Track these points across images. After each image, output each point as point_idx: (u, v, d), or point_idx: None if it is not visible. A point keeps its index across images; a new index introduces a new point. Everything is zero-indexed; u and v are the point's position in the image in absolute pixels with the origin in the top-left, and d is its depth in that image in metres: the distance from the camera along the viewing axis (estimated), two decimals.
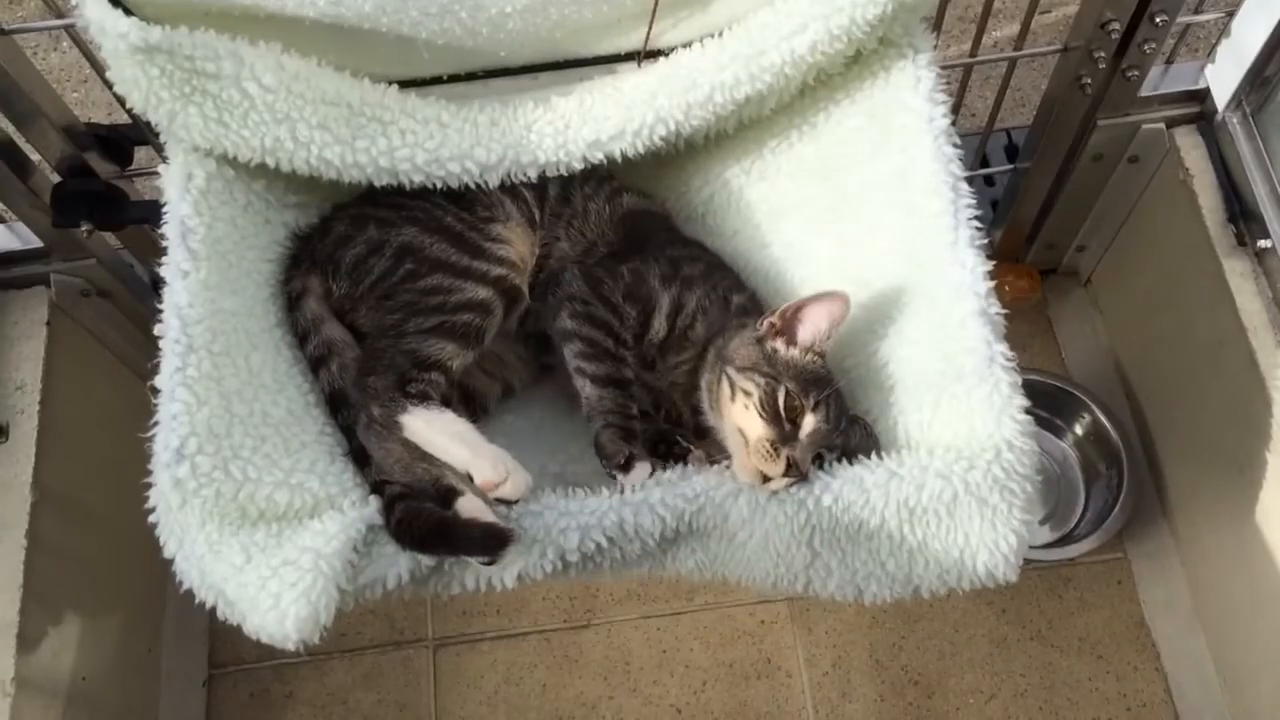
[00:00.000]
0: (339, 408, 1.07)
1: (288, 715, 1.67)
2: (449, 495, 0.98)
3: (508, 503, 0.98)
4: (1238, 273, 1.43)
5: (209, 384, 0.96)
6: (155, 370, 0.97)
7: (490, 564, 0.97)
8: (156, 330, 0.99)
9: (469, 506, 0.97)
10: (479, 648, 1.70)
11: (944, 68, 1.14)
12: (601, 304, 1.09)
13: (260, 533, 0.93)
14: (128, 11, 0.98)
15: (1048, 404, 1.76)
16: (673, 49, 1.13)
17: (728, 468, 1.02)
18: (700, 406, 1.09)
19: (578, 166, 1.14)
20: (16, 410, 1.36)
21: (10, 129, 1.25)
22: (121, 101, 1.04)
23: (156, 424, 0.94)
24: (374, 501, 0.99)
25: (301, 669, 1.69)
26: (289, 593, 0.89)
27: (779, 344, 1.05)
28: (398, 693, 1.67)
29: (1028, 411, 0.96)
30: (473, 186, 1.13)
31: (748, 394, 1.01)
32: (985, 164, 1.74)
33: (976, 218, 1.05)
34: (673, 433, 1.11)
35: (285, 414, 1.02)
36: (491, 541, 0.95)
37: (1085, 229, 1.76)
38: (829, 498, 0.97)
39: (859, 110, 1.16)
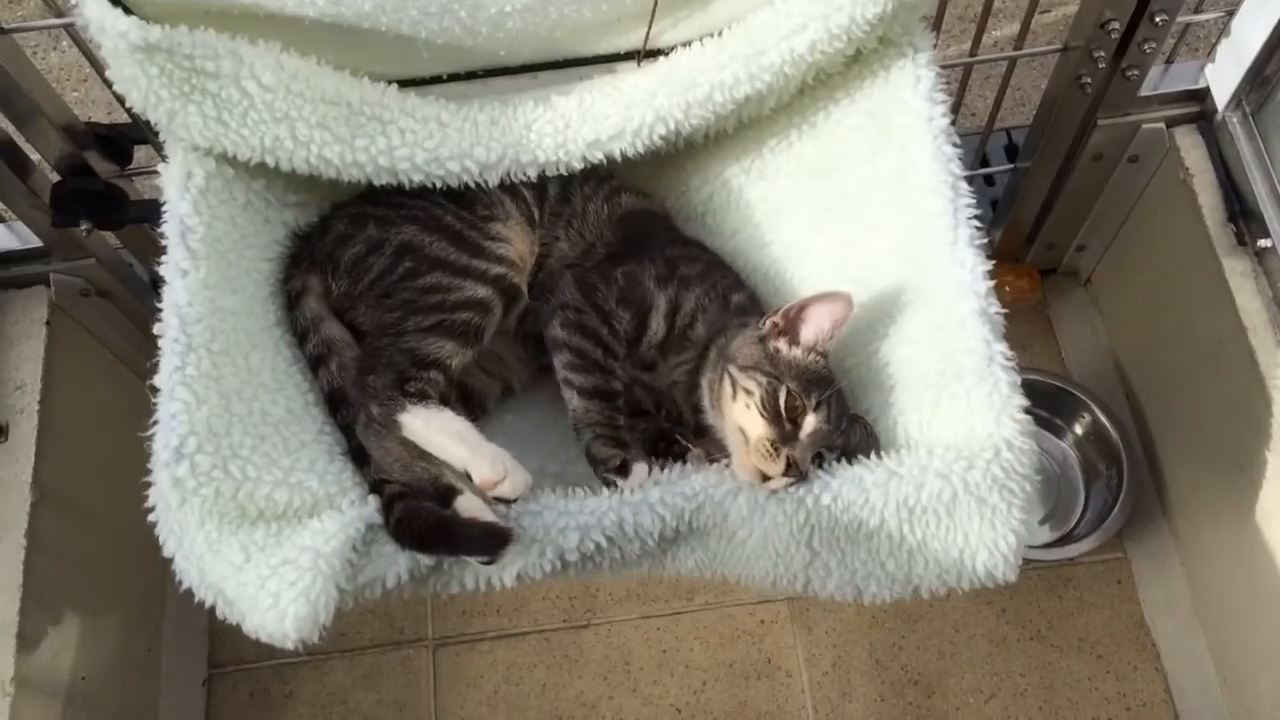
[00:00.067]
0: (338, 406, 1.07)
1: (287, 715, 1.67)
2: (448, 494, 0.98)
3: (506, 502, 0.98)
4: (1237, 272, 1.43)
5: (208, 383, 0.96)
6: (155, 369, 0.97)
7: (489, 563, 0.97)
8: (156, 329, 0.99)
9: (468, 506, 0.97)
10: (479, 647, 1.70)
11: (944, 67, 1.13)
12: (594, 311, 1.09)
13: (259, 532, 0.93)
14: (127, 10, 0.98)
15: (1048, 404, 1.76)
16: (672, 48, 1.13)
17: (727, 466, 1.02)
18: (701, 405, 1.09)
19: (577, 166, 1.14)
20: (16, 410, 1.36)
21: (10, 128, 1.26)
22: (121, 100, 1.04)
23: (156, 423, 0.94)
24: (373, 500, 0.99)
25: (301, 669, 1.69)
26: (288, 592, 0.89)
27: (781, 344, 1.05)
28: (397, 692, 1.67)
29: (1027, 411, 0.96)
30: (472, 185, 1.13)
31: (749, 393, 1.01)
32: (985, 163, 1.74)
33: (976, 217, 1.05)
34: (672, 431, 1.11)
35: (284, 413, 1.02)
36: (491, 541, 0.95)
37: (1085, 229, 1.76)
38: (828, 497, 0.97)
39: (859, 109, 1.16)
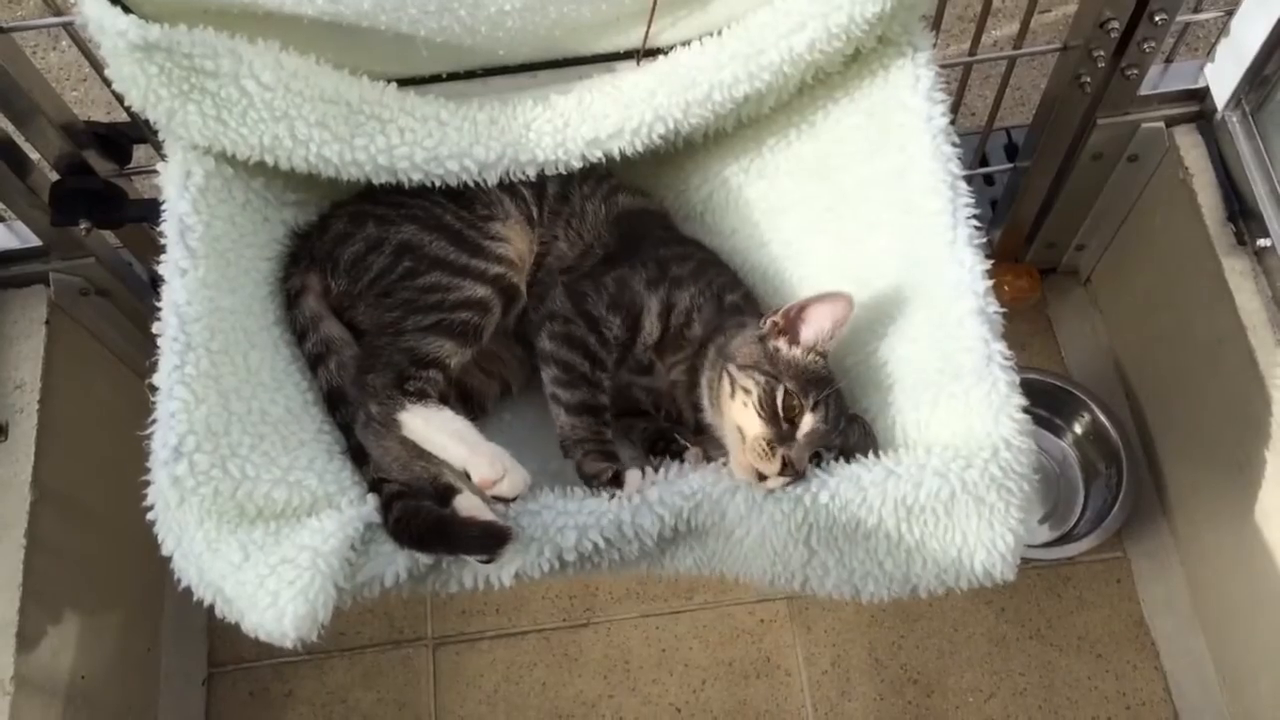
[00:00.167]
0: (337, 405, 1.07)
1: (287, 714, 1.67)
2: (447, 493, 0.98)
3: (505, 501, 0.98)
4: (1237, 271, 1.43)
5: (207, 382, 0.97)
6: (154, 368, 0.97)
7: (488, 562, 0.97)
8: (155, 328, 0.99)
9: (467, 505, 0.97)
10: (478, 646, 1.70)
11: (943, 66, 1.14)
12: (582, 320, 1.08)
13: (258, 530, 0.93)
14: (126, 9, 0.98)
15: (1047, 403, 1.76)
16: (671, 47, 1.13)
17: (725, 465, 1.02)
18: (700, 404, 1.09)
19: (576, 165, 1.14)
20: (16, 409, 1.36)
21: (9, 127, 1.26)
22: (120, 99, 1.04)
23: (155, 422, 0.94)
24: (372, 499, 0.99)
25: (301, 667, 1.69)
26: (287, 590, 0.89)
27: (781, 343, 1.05)
28: (397, 691, 1.67)
29: (1026, 410, 0.96)
30: (471, 185, 1.13)
31: (747, 392, 1.01)
32: (985, 163, 1.74)
33: (975, 217, 1.05)
34: (671, 430, 1.11)
35: (283, 412, 1.02)
36: (489, 540, 0.95)
37: (1085, 228, 1.76)
38: (826, 496, 0.97)
39: (858, 109, 1.16)
